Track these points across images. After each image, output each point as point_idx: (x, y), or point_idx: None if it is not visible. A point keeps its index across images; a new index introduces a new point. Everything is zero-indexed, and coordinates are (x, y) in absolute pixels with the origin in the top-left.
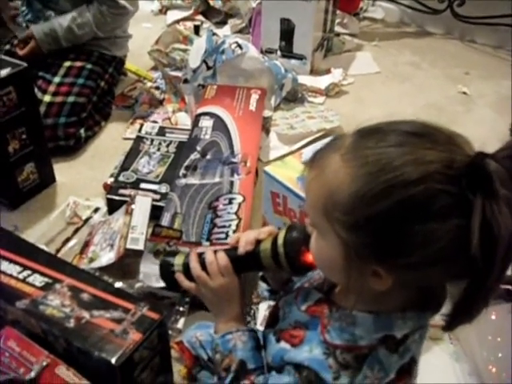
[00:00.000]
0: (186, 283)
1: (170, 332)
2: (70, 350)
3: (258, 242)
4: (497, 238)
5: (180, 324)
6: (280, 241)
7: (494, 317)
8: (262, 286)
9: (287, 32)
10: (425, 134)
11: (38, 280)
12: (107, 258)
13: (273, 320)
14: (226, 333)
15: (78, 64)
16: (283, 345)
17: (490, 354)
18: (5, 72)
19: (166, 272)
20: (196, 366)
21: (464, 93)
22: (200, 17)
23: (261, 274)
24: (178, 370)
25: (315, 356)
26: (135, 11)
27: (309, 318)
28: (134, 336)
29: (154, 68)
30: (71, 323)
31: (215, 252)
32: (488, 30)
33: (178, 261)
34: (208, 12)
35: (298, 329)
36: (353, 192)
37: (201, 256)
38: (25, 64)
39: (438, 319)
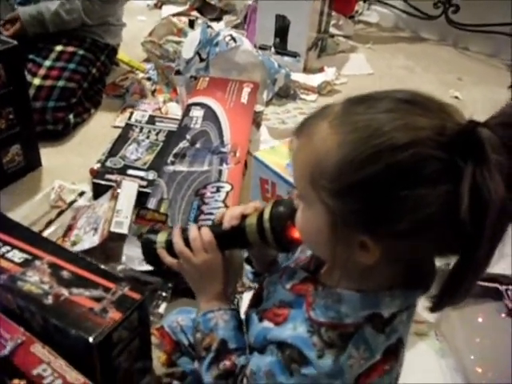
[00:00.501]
0: (168, 259)
1: (151, 317)
2: (46, 327)
3: (244, 217)
4: (487, 204)
5: (161, 309)
6: (266, 215)
7: (480, 319)
8: (247, 269)
9: (282, 29)
10: (416, 101)
11: (17, 256)
12: (90, 241)
13: (256, 300)
14: (207, 311)
15: (70, 49)
16: (266, 324)
17: (476, 356)
18: None
19: (148, 249)
20: (176, 351)
21: (456, 97)
22: (195, 13)
23: (245, 255)
24: (158, 357)
25: (299, 334)
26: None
27: (294, 296)
28: (114, 315)
29: (147, 60)
30: (49, 300)
31: (199, 228)
32: (482, 37)
33: (160, 238)
34: (203, 8)
35: (282, 308)
36: (340, 158)
37: (184, 232)
38: (15, 42)
39: (423, 315)
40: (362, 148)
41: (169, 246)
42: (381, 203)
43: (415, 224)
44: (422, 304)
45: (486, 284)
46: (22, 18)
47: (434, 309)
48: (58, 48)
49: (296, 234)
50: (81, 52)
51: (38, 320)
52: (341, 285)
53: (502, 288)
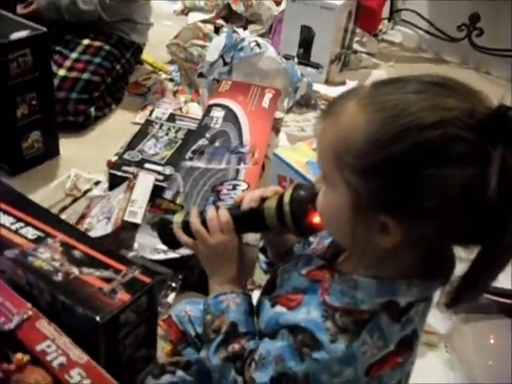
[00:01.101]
0: (183, 238)
1: (159, 308)
2: (54, 304)
3: (263, 200)
4: None
5: (170, 299)
6: (286, 199)
7: (493, 336)
8: (261, 259)
9: (306, 40)
10: (446, 84)
11: (30, 233)
12: (103, 229)
13: (269, 287)
14: (219, 293)
15: (97, 44)
16: (279, 309)
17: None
18: (24, 34)
19: (164, 228)
20: (182, 341)
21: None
22: (221, 21)
23: (261, 245)
24: (162, 347)
25: (313, 317)
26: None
27: (309, 282)
28: (123, 296)
29: (171, 62)
30: (59, 277)
31: (217, 209)
32: (504, 62)
33: (177, 218)
34: (229, 17)
35: (296, 293)
36: (366, 136)
37: (202, 213)
38: (44, 29)
39: (433, 326)
40: (388, 126)
41: (185, 226)
42: (406, 182)
43: (439, 204)
44: (434, 314)
45: (501, 300)
46: (40, 4)
47: (450, 304)
48: (85, 42)
49: (316, 218)
50: (107, 47)
51: (46, 297)
52: (358, 271)
53: None
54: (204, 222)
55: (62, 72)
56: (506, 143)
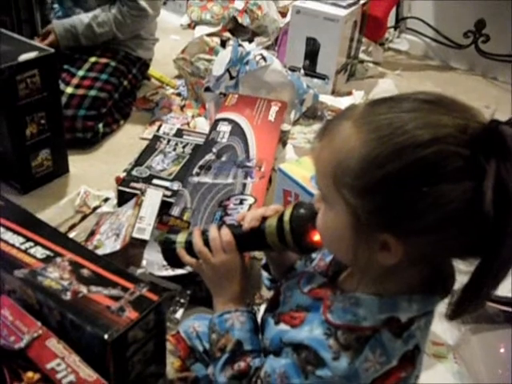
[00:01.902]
0: (187, 258)
1: (167, 323)
2: (63, 323)
3: (264, 219)
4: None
5: (178, 315)
6: (286, 217)
7: (502, 346)
8: (264, 275)
9: (312, 51)
10: (439, 102)
11: (39, 252)
12: (111, 246)
13: (272, 305)
14: (223, 312)
15: (103, 60)
16: (282, 326)
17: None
18: (32, 55)
19: (168, 248)
20: (190, 357)
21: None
22: (227, 34)
23: (263, 262)
24: (171, 363)
25: (315, 335)
26: (156, 15)
27: (311, 300)
28: (130, 314)
29: (178, 77)
30: (68, 296)
31: (219, 228)
32: (511, 68)
33: (180, 238)
34: (236, 29)
35: (299, 311)
36: (363, 155)
37: (204, 233)
38: (52, 50)
39: (442, 337)
40: (384, 145)
41: (188, 246)
42: (404, 200)
43: (438, 220)
44: (442, 325)
45: (508, 309)
46: (56, 30)
47: (452, 316)
48: (92, 59)
49: (316, 236)
50: (113, 64)
51: (55, 315)
52: (359, 288)
53: None
54: (206, 242)
55: (69, 90)
56: (499, 157)
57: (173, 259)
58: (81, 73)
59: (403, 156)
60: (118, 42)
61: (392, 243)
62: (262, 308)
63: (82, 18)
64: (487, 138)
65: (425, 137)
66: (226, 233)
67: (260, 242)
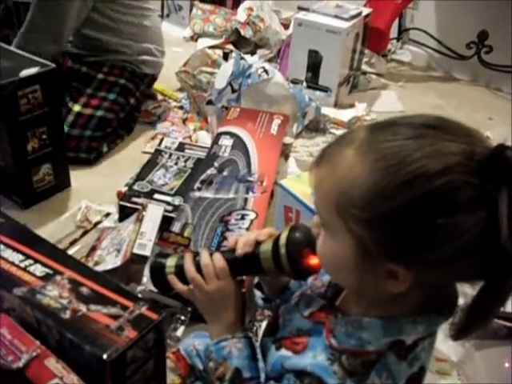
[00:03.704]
0: (179, 286)
1: (168, 340)
2: (62, 342)
3: (258, 243)
4: None
5: (179, 332)
6: (282, 241)
7: (507, 363)
8: (257, 294)
9: (314, 64)
10: (442, 126)
11: (38, 270)
12: (112, 262)
13: (271, 329)
14: (220, 339)
15: (112, 79)
16: (284, 352)
17: None
18: (33, 70)
19: (158, 273)
20: (190, 375)
21: (487, 137)
22: (230, 46)
23: (256, 281)
24: (172, 380)
25: (319, 362)
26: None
27: (312, 324)
28: (130, 333)
29: (180, 89)
30: (67, 315)
31: (211, 254)
32: None
33: (170, 262)
34: (238, 42)
35: (300, 336)
36: (371, 186)
37: (195, 258)
38: (53, 65)
39: (446, 353)
40: (393, 176)
41: (179, 271)
42: (415, 232)
43: (450, 252)
44: (446, 341)
45: (510, 324)
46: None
47: (457, 336)
48: (100, 76)
49: (313, 261)
50: (122, 81)
51: (54, 334)
52: (362, 311)
53: None
54: (198, 267)
55: (76, 108)
56: (509, 183)
57: (163, 285)
58: (89, 90)
59: (414, 187)
60: (123, 59)
61: (400, 272)
62: (264, 324)
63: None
64: (494, 165)
65: (435, 166)
66: (219, 259)
67: (254, 267)
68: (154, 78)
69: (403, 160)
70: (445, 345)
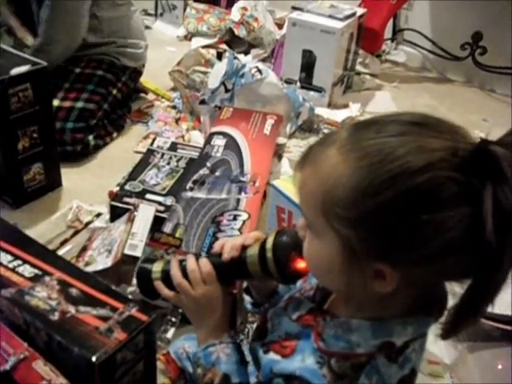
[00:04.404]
0: (165, 291)
1: (158, 342)
2: (50, 344)
3: (244, 248)
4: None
5: (170, 334)
6: (269, 245)
7: (500, 365)
8: (246, 299)
9: (308, 64)
10: (426, 123)
11: (27, 271)
12: (103, 262)
13: (260, 333)
14: (208, 345)
15: (88, 71)
16: (272, 356)
17: None
18: (24, 69)
19: (144, 279)
20: (180, 378)
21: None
22: (224, 45)
23: (244, 285)
24: (162, 382)
25: (308, 365)
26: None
27: (301, 327)
28: (119, 335)
29: (174, 89)
30: (55, 316)
31: (197, 258)
32: (508, 80)
33: (156, 267)
34: (232, 41)
35: (288, 340)
36: (354, 184)
37: (181, 263)
38: (44, 63)
39: (438, 356)
40: (376, 173)
41: (165, 276)
42: (400, 229)
43: (437, 249)
44: (438, 344)
45: (506, 327)
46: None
47: (446, 335)
48: (77, 70)
49: (300, 264)
50: (100, 73)
51: (42, 336)
52: (350, 313)
53: None
54: (184, 272)
55: (55, 102)
56: (494, 179)
57: (149, 290)
58: (66, 85)
59: (397, 184)
60: (101, 52)
61: (387, 272)
62: (255, 326)
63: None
64: (479, 160)
65: (418, 163)
66: (206, 264)
67: (241, 271)
68: (137, 71)
69: (386, 157)
70: (437, 347)
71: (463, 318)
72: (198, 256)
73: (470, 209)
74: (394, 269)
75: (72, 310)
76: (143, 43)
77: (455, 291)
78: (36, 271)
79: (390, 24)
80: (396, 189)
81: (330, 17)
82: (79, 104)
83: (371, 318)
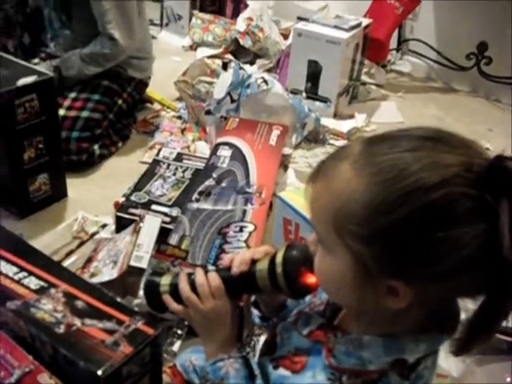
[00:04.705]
0: (173, 305)
1: (164, 355)
2: (56, 357)
3: (254, 262)
4: None
5: (176, 347)
6: (279, 259)
7: (508, 379)
8: (254, 313)
9: (314, 74)
10: (439, 138)
11: (33, 283)
12: (109, 274)
13: (269, 347)
14: (216, 359)
15: (94, 81)
16: (282, 372)
17: None
18: (30, 79)
19: (152, 292)
20: None
21: (487, 149)
22: (229, 56)
23: (252, 299)
24: None
25: (319, 382)
26: (131, 44)
27: (311, 343)
28: (125, 349)
29: (179, 99)
30: (61, 329)
31: (206, 272)
32: None
33: (164, 281)
34: (237, 51)
35: (299, 355)
36: (368, 201)
37: (190, 277)
38: (50, 74)
39: (446, 368)
40: (390, 189)
41: (173, 290)
42: (415, 246)
43: (453, 266)
44: (446, 357)
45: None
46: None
47: (458, 352)
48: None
49: (310, 279)
50: (105, 83)
51: (47, 349)
52: (362, 329)
53: None
54: (193, 286)
55: (61, 112)
56: (509, 195)
57: (157, 304)
58: (72, 94)
59: (411, 201)
60: None
61: (401, 289)
62: (262, 338)
63: (53, 62)
64: (494, 176)
65: (432, 179)
66: (215, 278)
67: (250, 286)
68: (143, 83)
69: (400, 173)
70: (445, 360)
71: (477, 334)
72: (206, 269)
73: (486, 225)
74: (407, 285)
75: (78, 322)
76: (150, 55)
77: (468, 307)
78: (42, 283)
79: (395, 34)
80: (410, 205)
81: (336, 27)
82: (85, 113)
83: (383, 335)
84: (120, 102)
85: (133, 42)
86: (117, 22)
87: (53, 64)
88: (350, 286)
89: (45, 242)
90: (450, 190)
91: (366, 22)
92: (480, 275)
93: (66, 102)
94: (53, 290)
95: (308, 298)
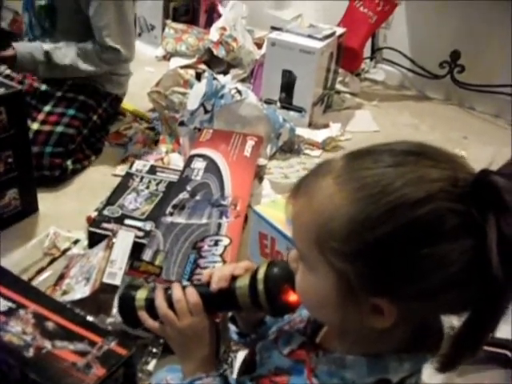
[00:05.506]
0: (149, 322)
1: (139, 374)
2: (24, 382)
3: (234, 278)
4: None
5: (151, 366)
6: (260, 276)
7: None
8: (231, 328)
9: (288, 84)
10: (423, 152)
11: (1, 304)
12: (81, 291)
13: (248, 366)
14: (194, 378)
15: (70, 95)
16: None
17: None
18: None
19: (127, 307)
20: None
21: (461, 156)
22: (203, 65)
23: (230, 314)
24: None
25: None
26: (130, 57)
27: (292, 362)
28: (98, 371)
29: (152, 110)
30: (30, 353)
31: (184, 288)
32: (487, 98)
33: (140, 295)
34: (211, 61)
35: (279, 375)
36: (351, 217)
37: (167, 292)
38: (19, 87)
39: (426, 380)
40: (373, 206)
41: (149, 305)
42: (400, 263)
43: (439, 283)
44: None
45: (493, 349)
46: (16, 48)
47: (443, 368)
48: (58, 94)
49: (292, 297)
50: (81, 98)
51: (15, 374)
52: (346, 349)
53: (511, 355)
54: (170, 302)
55: (35, 126)
56: (496, 210)
57: (131, 319)
58: (47, 108)
59: (396, 217)
60: (86, 77)
61: (385, 307)
62: (240, 355)
63: (44, 46)
64: (480, 191)
65: (418, 194)
66: (192, 294)
67: (230, 302)
68: (118, 98)
69: (384, 189)
70: (425, 371)
71: (462, 350)
72: (183, 284)
73: (473, 241)
74: (392, 304)
75: (48, 345)
76: (129, 70)
77: (451, 323)
78: (10, 304)
79: (368, 43)
80: (395, 222)
81: (310, 37)
82: (59, 128)
83: (366, 354)
84: (95, 117)
85: (133, 53)
86: (118, 34)
87: (44, 48)
88: (332, 305)
89: (14, 259)
90: (435, 206)
91: (339, 31)
92: (467, 292)
93: (40, 116)
94: (22, 312)
95: (287, 315)
